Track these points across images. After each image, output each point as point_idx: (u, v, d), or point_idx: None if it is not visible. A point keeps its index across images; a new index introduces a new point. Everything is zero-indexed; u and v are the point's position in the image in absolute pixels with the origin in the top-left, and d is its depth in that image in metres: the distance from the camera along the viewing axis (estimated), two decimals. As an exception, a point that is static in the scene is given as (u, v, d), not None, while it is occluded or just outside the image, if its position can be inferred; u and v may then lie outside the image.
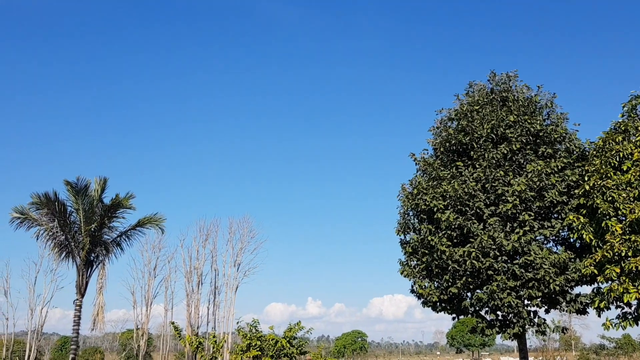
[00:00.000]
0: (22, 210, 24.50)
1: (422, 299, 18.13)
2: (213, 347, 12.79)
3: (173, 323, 13.51)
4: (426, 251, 17.67)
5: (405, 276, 18.58)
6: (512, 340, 17.60)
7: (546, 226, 16.41)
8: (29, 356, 55.21)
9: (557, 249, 17.28)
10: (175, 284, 53.96)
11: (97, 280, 25.66)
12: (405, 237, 19.33)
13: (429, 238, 17.14)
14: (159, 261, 49.81)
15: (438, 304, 17.91)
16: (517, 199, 16.11)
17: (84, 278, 24.02)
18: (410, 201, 18.37)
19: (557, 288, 15.46)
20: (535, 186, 16.26)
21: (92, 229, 24.02)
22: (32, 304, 57.06)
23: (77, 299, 23.87)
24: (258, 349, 12.39)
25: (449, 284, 17.07)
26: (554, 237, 17.30)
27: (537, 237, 16.56)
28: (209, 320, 46.95)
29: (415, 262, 18.62)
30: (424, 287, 18.02)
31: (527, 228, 16.08)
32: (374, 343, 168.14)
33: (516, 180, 16.37)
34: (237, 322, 13.39)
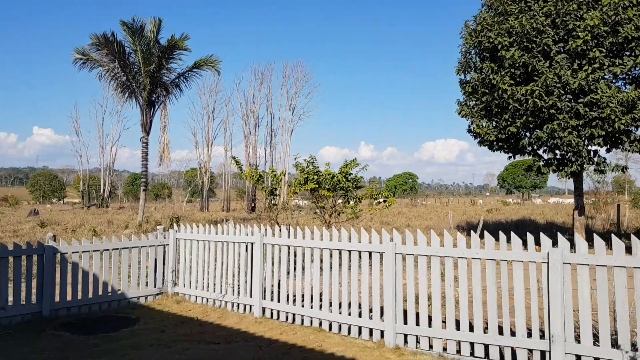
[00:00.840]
0: (84, 51, 25.03)
1: (478, 139, 18.05)
2: (272, 180, 13.46)
3: (234, 158, 14.17)
4: (486, 90, 17.18)
5: (462, 116, 18.37)
6: (568, 179, 17.59)
7: (617, 64, 15.40)
8: (103, 190, 60.35)
9: (627, 88, 16.38)
10: (233, 126, 56.06)
11: (161, 119, 26.77)
12: (465, 76, 18.75)
13: (491, 77, 16.55)
14: (216, 104, 51.16)
15: (495, 143, 17.83)
16: (589, 35, 14.98)
17: (147, 117, 25.08)
18: (473, 39, 17.49)
19: (622, 127, 14.95)
20: (609, 20, 14.98)
21: (151, 70, 24.45)
22: (102, 142, 61.05)
23: (143, 137, 25.21)
24: (315, 182, 12.95)
25: (508, 123, 16.81)
26: (624, 76, 16.31)
27: (606, 76, 15.67)
28: (266, 160, 49.14)
29: (474, 102, 18.25)
30: (481, 126, 17.84)
31: (596, 65, 15.16)
32: (424, 184, 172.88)
33: (589, 14, 15.08)
34: (295, 158, 13.86)
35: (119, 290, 9.52)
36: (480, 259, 6.24)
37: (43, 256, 8.59)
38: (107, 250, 9.47)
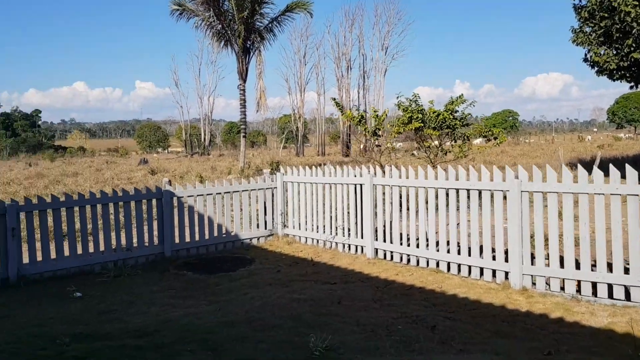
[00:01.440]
0: (180, 2, 25.46)
1: (597, 68, 16.49)
2: (375, 120, 13.09)
3: (334, 99, 13.90)
4: (606, 14, 15.48)
5: (578, 44, 16.78)
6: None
7: None
8: (204, 138, 62.92)
9: None
10: (325, 70, 55.58)
11: (256, 66, 26.98)
12: (580, 0, 16.99)
13: (611, -2, 14.85)
14: (307, 49, 50.82)
15: (616, 72, 16.21)
16: None
17: (243, 64, 25.32)
18: (590, -46, 15.70)
19: None
20: None
21: (245, 16, 24.46)
22: (199, 93, 63.19)
23: (239, 84, 25.58)
24: (420, 121, 12.44)
25: (631, 49, 15.14)
26: None
27: None
28: (359, 103, 48.52)
29: (591, 28, 16.55)
30: (600, 54, 16.22)
31: None
32: (525, 122, 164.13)
33: None
34: (397, 97, 13.34)
35: (232, 232, 9.79)
36: (620, 194, 5.64)
37: (161, 200, 8.94)
38: (220, 193, 9.69)
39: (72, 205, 8.16)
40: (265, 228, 10.20)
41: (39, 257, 7.78)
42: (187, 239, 9.26)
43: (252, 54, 25.78)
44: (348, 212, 9.03)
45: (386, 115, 13.00)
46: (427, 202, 7.63)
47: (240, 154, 25.13)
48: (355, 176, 8.89)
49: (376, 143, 12.72)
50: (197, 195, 9.37)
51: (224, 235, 9.67)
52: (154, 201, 8.94)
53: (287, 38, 54.07)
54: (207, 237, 9.47)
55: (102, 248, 8.46)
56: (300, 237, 9.98)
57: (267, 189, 10.24)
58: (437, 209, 7.51)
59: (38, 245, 7.96)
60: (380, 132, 12.71)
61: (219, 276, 7.76)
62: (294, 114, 50.30)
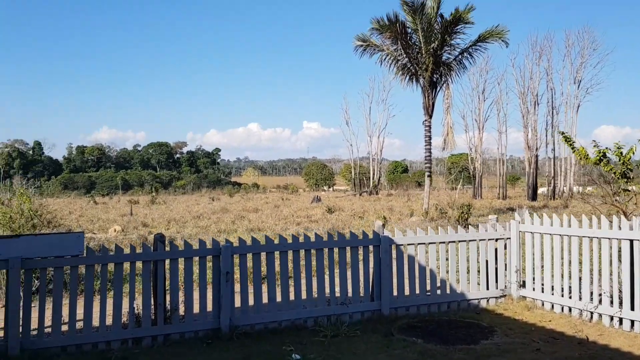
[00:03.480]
0: (364, 38, 25.08)
1: None
2: (619, 158, 10.60)
3: (563, 133, 11.68)
4: None
5: None
6: None
7: None
8: (373, 177, 62.58)
9: None
10: (507, 106, 52.15)
11: (443, 101, 25.46)
12: None
13: None
14: (487, 84, 48.03)
15: None
16: None
17: (429, 99, 23.89)
18: None
19: None
20: None
21: (433, 48, 23.15)
22: (369, 131, 63.26)
23: (425, 120, 24.13)
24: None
25: None
26: None
27: None
28: (547, 142, 44.22)
29: None
30: None
31: None
32: None
33: None
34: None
35: (457, 289, 8.09)
36: None
37: (379, 247, 7.61)
38: (444, 242, 8.12)
39: (286, 249, 7.18)
40: (497, 287, 8.33)
41: (251, 302, 6.87)
42: (407, 295, 7.77)
43: (439, 88, 24.28)
44: (618, 276, 6.88)
45: (633, 152, 10.43)
46: None
47: (424, 195, 23.46)
48: (620, 229, 6.78)
49: (625, 187, 10.20)
50: (418, 244, 7.88)
51: (448, 294, 8.02)
52: (370, 247, 7.64)
53: (463, 74, 51.95)
54: (428, 293, 7.92)
55: (314, 295, 7.34)
56: (543, 301, 7.93)
57: (498, 239, 8.40)
58: None
59: (249, 289, 7.07)
60: (632, 174, 10.19)
61: (461, 350, 6.10)
62: (470, 152, 47.46)
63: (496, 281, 8.35)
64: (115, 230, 18.67)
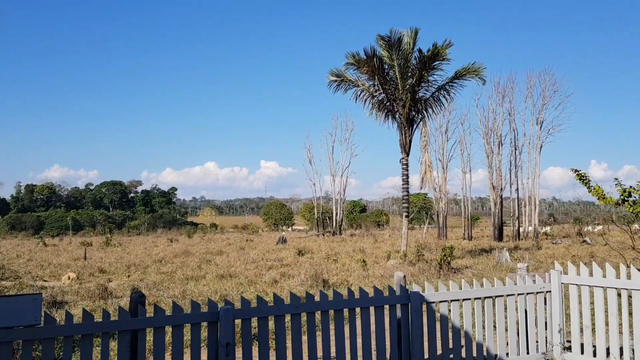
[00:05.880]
0: (338, 73, 24.22)
1: None
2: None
3: (576, 170, 10.78)
4: None
5: None
6: None
7: None
8: (336, 217, 61.32)
9: None
10: (470, 146, 52.30)
11: (421, 138, 24.63)
12: None
13: None
14: (449, 124, 48.05)
15: None
16: None
17: (406, 136, 23.03)
18: None
19: None
20: None
21: (411, 84, 22.44)
22: (332, 170, 62.37)
23: (402, 158, 23.19)
24: None
25: None
26: None
27: None
28: (511, 182, 44.25)
29: None
30: None
31: None
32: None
33: None
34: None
35: (494, 353, 6.77)
36: None
37: (407, 306, 6.25)
38: (479, 298, 6.83)
39: (299, 311, 5.72)
40: (537, 350, 7.06)
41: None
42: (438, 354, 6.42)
43: (415, 125, 23.45)
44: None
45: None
46: None
47: (402, 236, 22.23)
48: None
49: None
50: (452, 301, 6.57)
51: (486, 357, 6.69)
52: (398, 307, 6.27)
53: (441, 110, 52.02)
54: (464, 357, 6.57)
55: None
56: (596, 369, 6.70)
57: (537, 293, 7.18)
58: None
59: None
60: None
61: None
62: (435, 192, 46.94)
63: (537, 342, 7.09)
64: (69, 278, 16.55)
